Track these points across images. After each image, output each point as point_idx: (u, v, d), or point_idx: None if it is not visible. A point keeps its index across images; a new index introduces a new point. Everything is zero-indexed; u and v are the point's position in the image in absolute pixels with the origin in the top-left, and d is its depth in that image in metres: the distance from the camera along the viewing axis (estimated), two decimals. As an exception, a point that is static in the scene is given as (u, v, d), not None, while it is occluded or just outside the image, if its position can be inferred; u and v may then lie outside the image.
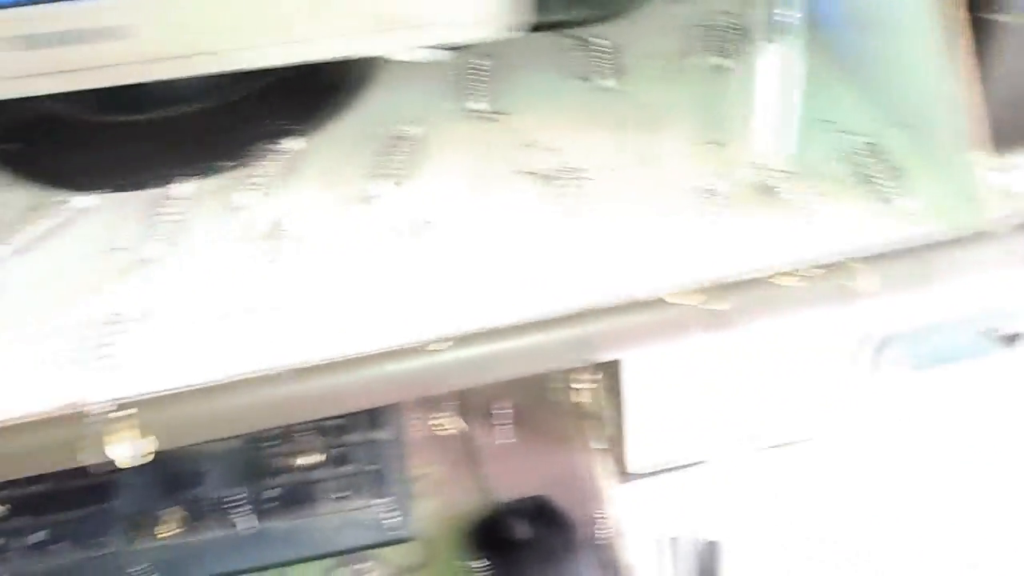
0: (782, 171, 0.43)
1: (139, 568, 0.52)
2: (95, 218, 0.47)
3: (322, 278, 0.42)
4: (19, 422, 0.36)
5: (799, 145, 0.45)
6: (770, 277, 0.40)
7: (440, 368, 0.39)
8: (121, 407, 0.36)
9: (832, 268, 0.40)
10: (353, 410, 0.39)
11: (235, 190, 0.47)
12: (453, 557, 0.54)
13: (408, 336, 0.38)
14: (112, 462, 0.36)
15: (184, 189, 0.47)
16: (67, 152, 0.51)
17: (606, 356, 0.41)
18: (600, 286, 0.40)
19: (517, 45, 0.51)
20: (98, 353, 0.38)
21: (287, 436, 0.56)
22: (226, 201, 0.47)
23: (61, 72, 0.44)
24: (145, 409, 0.37)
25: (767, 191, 0.43)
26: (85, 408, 0.36)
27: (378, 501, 0.54)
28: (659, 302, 0.39)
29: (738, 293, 0.39)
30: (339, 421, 0.57)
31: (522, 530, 0.52)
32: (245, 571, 0.53)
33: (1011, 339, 0.55)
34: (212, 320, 0.40)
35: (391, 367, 0.38)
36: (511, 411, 0.59)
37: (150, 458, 0.37)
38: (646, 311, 0.39)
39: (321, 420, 0.57)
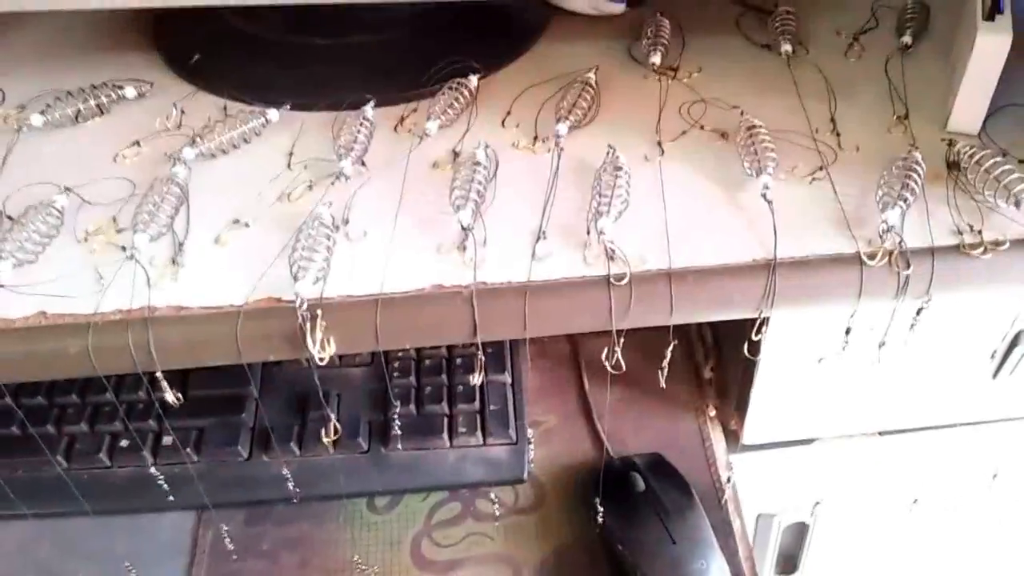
0: (973, 147, 0.42)
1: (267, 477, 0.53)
2: (280, 130, 0.48)
3: (505, 207, 0.42)
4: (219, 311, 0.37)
5: (989, 125, 0.44)
6: (958, 248, 0.39)
7: (623, 303, 0.38)
8: (312, 308, 0.37)
9: (1021, 243, 0.39)
10: (535, 334, 0.39)
11: (416, 119, 0.48)
12: (567, 502, 0.54)
13: (593, 269, 0.38)
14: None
15: (368, 112, 0.47)
16: (253, 68, 0.52)
17: (789, 309, 0.40)
18: (789, 241, 0.39)
19: (692, 6, 0.51)
20: (292, 257, 0.38)
21: (417, 368, 0.56)
22: (409, 128, 0.47)
23: None
24: (335, 312, 0.37)
25: (957, 166, 0.43)
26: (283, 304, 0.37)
27: (497, 440, 0.54)
28: (850, 260, 0.39)
29: (925, 260, 0.38)
30: (466, 360, 0.57)
31: (638, 483, 0.52)
32: (361, 494, 0.54)
33: None
34: (403, 238, 0.41)
35: (576, 297, 0.38)
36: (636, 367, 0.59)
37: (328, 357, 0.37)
38: (835, 269, 0.39)
39: (450, 357, 0.57)
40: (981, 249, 0.38)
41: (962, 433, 0.59)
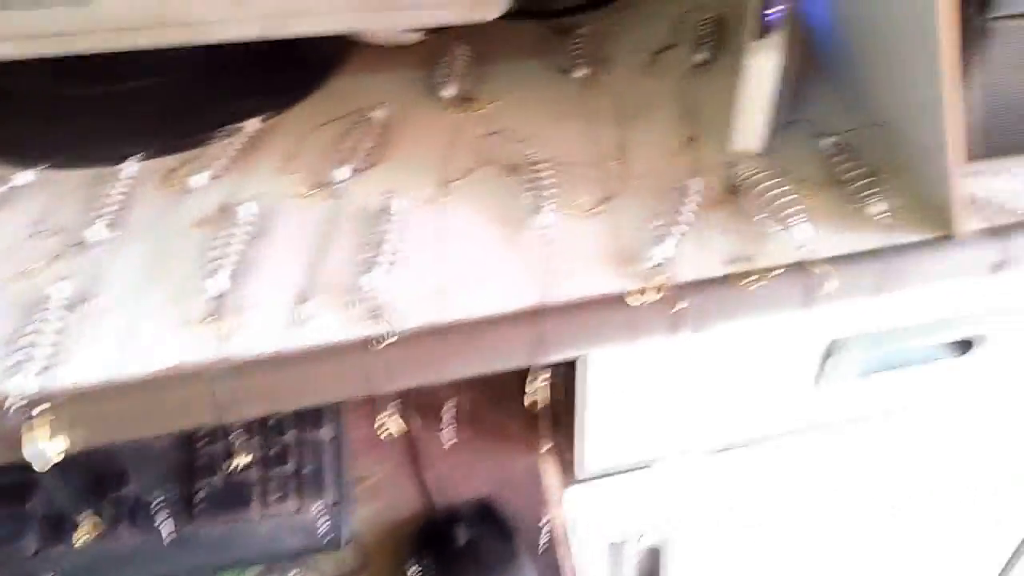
0: (755, 169, 0.42)
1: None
2: (34, 195, 0.43)
3: (269, 266, 0.39)
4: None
5: (774, 144, 0.44)
6: (729, 278, 0.38)
7: (386, 365, 0.36)
8: (33, 403, 0.33)
9: (794, 269, 0.39)
10: (293, 407, 0.36)
11: (187, 171, 0.44)
12: (390, 563, 0.52)
13: (353, 331, 0.36)
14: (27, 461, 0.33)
15: (130, 168, 0.43)
16: (7, 125, 0.47)
17: (564, 355, 0.39)
18: (561, 283, 0.38)
19: (493, 31, 0.49)
20: (16, 345, 0.34)
21: (219, 435, 0.52)
22: (176, 183, 0.44)
23: (19, 37, 0.40)
24: (63, 406, 0.33)
25: (736, 190, 0.42)
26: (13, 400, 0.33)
27: (313, 504, 0.51)
28: (619, 300, 0.37)
29: (697, 293, 0.37)
30: (275, 420, 0.53)
31: (462, 535, 0.50)
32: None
33: (963, 346, 0.56)
34: (147, 310, 0.37)
35: (334, 363, 0.36)
36: (457, 411, 0.57)
37: (60, 458, 0.33)
38: (605, 310, 0.37)
39: (256, 419, 0.53)
40: (751, 279, 0.37)
41: (793, 440, 0.60)
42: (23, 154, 0.44)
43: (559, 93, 0.51)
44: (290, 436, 0.53)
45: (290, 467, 0.52)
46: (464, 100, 0.50)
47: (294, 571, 0.51)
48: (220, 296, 0.37)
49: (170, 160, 0.45)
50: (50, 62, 0.42)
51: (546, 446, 0.57)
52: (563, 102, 0.50)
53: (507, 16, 0.46)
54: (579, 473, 0.56)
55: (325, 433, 0.54)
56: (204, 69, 0.50)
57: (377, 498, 0.54)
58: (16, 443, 0.33)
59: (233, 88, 0.50)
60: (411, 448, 0.56)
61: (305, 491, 0.51)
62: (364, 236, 0.40)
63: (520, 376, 0.56)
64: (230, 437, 0.52)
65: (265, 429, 0.53)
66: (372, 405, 0.58)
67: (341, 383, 0.36)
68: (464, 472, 0.56)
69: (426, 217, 0.42)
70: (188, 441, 0.52)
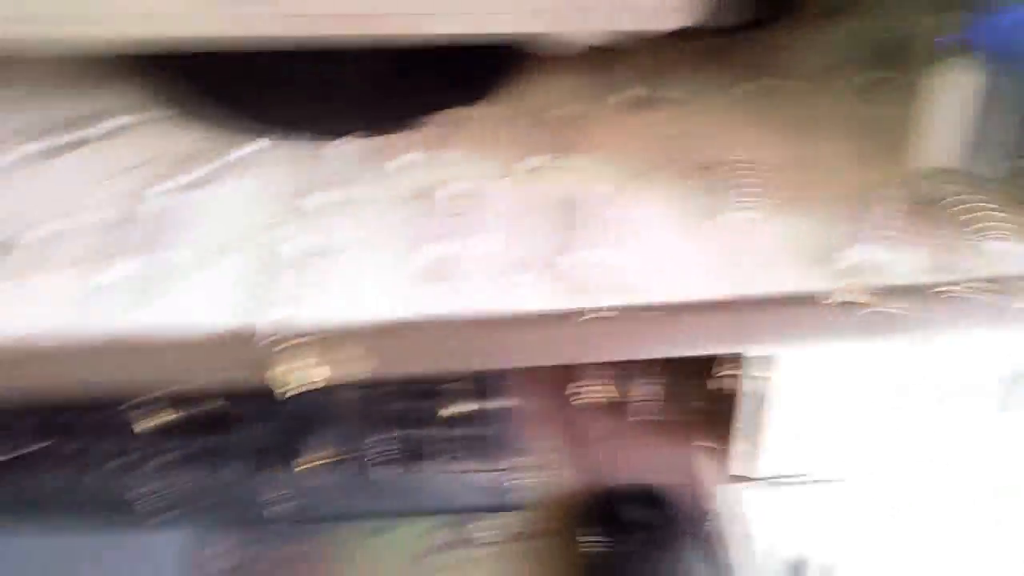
0: (946, 183, 0.43)
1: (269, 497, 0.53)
2: (261, 162, 0.49)
3: (475, 239, 0.43)
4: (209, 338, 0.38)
5: (966, 160, 0.45)
6: (922, 286, 0.39)
7: (586, 338, 0.39)
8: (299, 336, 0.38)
9: (988, 283, 0.39)
10: (502, 366, 0.40)
11: (393, 151, 0.49)
12: (559, 531, 0.55)
13: (557, 303, 0.39)
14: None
15: (345, 147, 0.48)
16: (236, 100, 0.53)
17: (755, 349, 0.41)
18: (754, 277, 0.40)
19: (667, 41, 0.52)
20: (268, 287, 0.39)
21: (407, 393, 0.57)
22: (384, 161, 0.48)
23: (247, 18, 0.45)
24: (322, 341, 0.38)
25: (927, 202, 0.43)
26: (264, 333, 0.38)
27: (494, 466, 0.54)
28: (812, 299, 0.39)
29: (905, 298, 0.39)
30: (462, 384, 0.57)
31: (632, 514, 0.53)
32: (356, 516, 0.55)
33: None
34: (372, 269, 0.41)
35: (538, 331, 0.39)
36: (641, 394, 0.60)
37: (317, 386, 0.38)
38: (799, 307, 0.39)
39: (446, 380, 0.58)
40: (943, 288, 0.39)
41: (975, 467, 0.59)
42: (257, 126, 0.50)
43: (735, 103, 0.53)
44: (476, 399, 0.57)
45: (475, 428, 0.56)
46: (643, 105, 0.53)
47: (471, 525, 0.55)
48: (438, 260, 0.41)
49: (378, 141, 0.50)
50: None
51: (714, 442, 0.58)
52: (739, 112, 0.52)
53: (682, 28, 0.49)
54: (744, 472, 0.57)
55: (500, 402, 0.57)
56: (399, 60, 0.55)
57: (549, 468, 0.57)
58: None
59: (430, 81, 0.54)
60: (583, 424, 0.59)
61: (488, 453, 0.55)
62: (560, 220, 0.44)
63: (690, 367, 0.59)
64: (412, 395, 0.57)
65: (453, 390, 0.57)
66: (551, 379, 0.62)
67: (543, 350, 0.39)
68: (624, 458, 0.58)
69: (619, 207, 0.45)
70: (380, 394, 0.57)
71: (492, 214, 0.44)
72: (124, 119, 0.51)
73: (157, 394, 0.40)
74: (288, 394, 0.38)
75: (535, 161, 0.47)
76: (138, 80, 0.55)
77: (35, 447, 0.54)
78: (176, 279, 0.41)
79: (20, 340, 0.38)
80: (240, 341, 0.38)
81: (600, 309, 0.38)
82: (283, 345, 0.38)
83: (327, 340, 0.38)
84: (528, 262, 0.41)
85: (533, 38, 0.54)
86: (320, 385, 0.38)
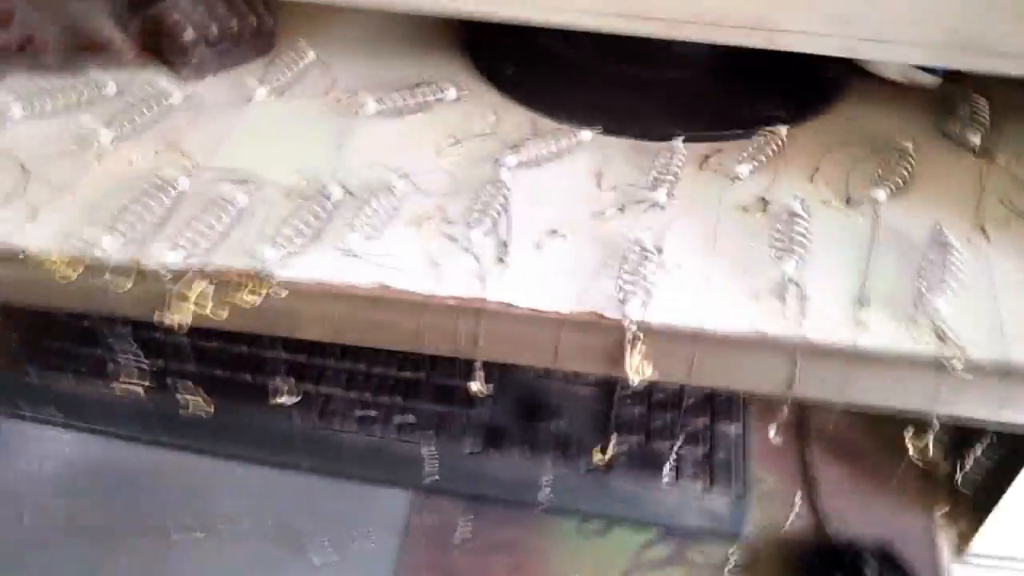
0: None
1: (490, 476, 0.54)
2: (592, 152, 0.49)
3: (823, 260, 0.42)
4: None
5: None
6: None
7: (941, 388, 0.38)
8: (640, 328, 0.38)
9: None
10: (810, 396, 0.39)
11: (723, 159, 0.48)
12: (780, 571, 0.53)
13: (918, 346, 0.38)
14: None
15: (679, 147, 0.48)
16: (563, 88, 0.54)
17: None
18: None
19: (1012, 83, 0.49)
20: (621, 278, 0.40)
21: (647, 399, 0.57)
22: (715, 167, 0.48)
23: (609, 13, 0.46)
24: (655, 338, 0.38)
25: None
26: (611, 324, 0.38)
27: (720, 491, 0.53)
28: None
29: None
30: (698, 401, 0.57)
31: (867, 570, 0.51)
32: (577, 512, 0.55)
33: None
34: (716, 275, 0.41)
35: (895, 371, 0.38)
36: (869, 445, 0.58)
37: (643, 383, 0.38)
38: None
39: (681, 394, 0.57)
40: None
41: None
42: (583, 116, 0.51)
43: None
44: (702, 422, 0.56)
45: (700, 450, 0.55)
46: (984, 149, 0.50)
47: (690, 546, 0.54)
48: (786, 280, 0.40)
49: (703, 147, 0.50)
50: (603, 39, 0.48)
51: (944, 509, 0.56)
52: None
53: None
54: (976, 549, 0.54)
55: (734, 428, 0.56)
56: (726, 72, 0.55)
57: (768, 506, 0.56)
58: (614, 359, 0.38)
59: (752, 93, 0.54)
60: (804, 468, 0.57)
61: (714, 477, 0.54)
62: (906, 258, 0.42)
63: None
64: (652, 403, 0.57)
65: (683, 405, 0.57)
66: (770, 414, 0.61)
67: (902, 393, 0.38)
68: (854, 509, 0.56)
69: (969, 257, 0.43)
70: (610, 395, 0.57)
71: (831, 242, 0.43)
72: (453, 91, 0.53)
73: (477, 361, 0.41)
74: (633, 385, 0.38)
75: (878, 193, 0.46)
76: (462, 55, 0.58)
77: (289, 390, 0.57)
78: (514, 256, 0.42)
79: (367, 290, 0.40)
80: (589, 327, 0.39)
81: (965, 361, 0.37)
82: (634, 339, 0.38)
83: (653, 339, 0.39)
84: (885, 299, 0.40)
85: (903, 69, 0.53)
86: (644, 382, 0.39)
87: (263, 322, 0.41)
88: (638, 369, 0.38)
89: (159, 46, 0.54)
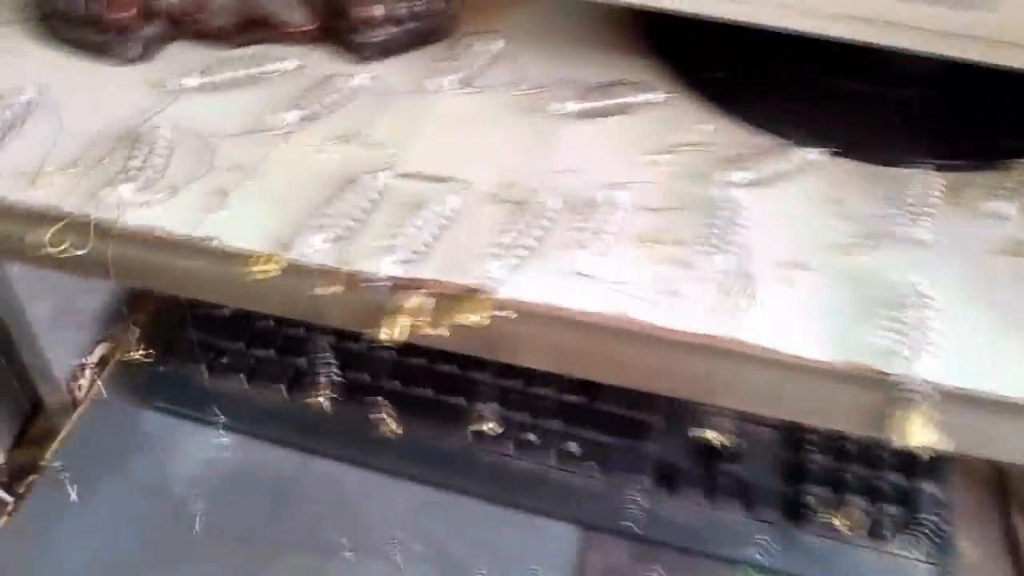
0: None
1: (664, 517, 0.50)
2: (821, 174, 0.44)
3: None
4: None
5: None
6: None
7: None
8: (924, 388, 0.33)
9: None
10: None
11: (977, 194, 0.43)
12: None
13: None
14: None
15: (933, 178, 0.43)
16: (783, 100, 0.49)
17: None
18: None
19: None
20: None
21: (838, 449, 0.52)
22: (967, 202, 0.43)
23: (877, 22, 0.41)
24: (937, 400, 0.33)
25: None
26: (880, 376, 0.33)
27: (921, 558, 0.48)
28: None
29: None
30: (896, 456, 0.52)
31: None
32: (763, 569, 0.50)
33: None
34: (980, 329, 0.36)
35: None
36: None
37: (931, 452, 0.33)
38: None
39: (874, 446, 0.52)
40: None
41: None
42: (806, 133, 0.46)
43: None
44: (901, 478, 0.51)
45: (899, 511, 0.50)
46: None
47: None
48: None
49: (950, 177, 0.44)
50: (825, 48, 0.43)
51: None
52: None
53: None
54: None
55: (934, 488, 0.51)
56: (967, 94, 0.49)
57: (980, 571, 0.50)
58: (888, 421, 0.33)
59: (1009, 117, 0.48)
60: (1010, 537, 0.52)
61: (916, 540, 0.49)
62: None
63: None
64: (843, 454, 0.52)
65: (878, 458, 0.52)
66: (968, 475, 0.56)
67: None
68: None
69: None
70: (793, 440, 0.53)
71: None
72: (657, 94, 0.48)
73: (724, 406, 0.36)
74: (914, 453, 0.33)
75: None
76: (658, 54, 0.53)
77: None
78: (756, 289, 0.37)
79: (605, 319, 0.35)
80: (853, 380, 0.34)
81: None
82: (913, 400, 0.33)
83: (937, 401, 0.34)
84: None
85: None
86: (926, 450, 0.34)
87: (480, 344, 0.36)
88: (919, 435, 0.33)
89: (339, 21, 0.50)
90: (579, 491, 0.49)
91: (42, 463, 0.52)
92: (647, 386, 0.36)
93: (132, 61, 0.48)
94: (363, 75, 0.48)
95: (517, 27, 0.54)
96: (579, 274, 0.37)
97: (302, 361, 0.54)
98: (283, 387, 0.53)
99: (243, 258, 0.37)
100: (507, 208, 0.40)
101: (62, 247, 0.37)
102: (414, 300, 0.36)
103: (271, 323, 0.56)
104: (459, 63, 0.50)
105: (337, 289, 0.36)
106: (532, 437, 0.51)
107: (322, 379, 0.45)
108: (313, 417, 0.51)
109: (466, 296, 0.36)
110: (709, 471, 0.50)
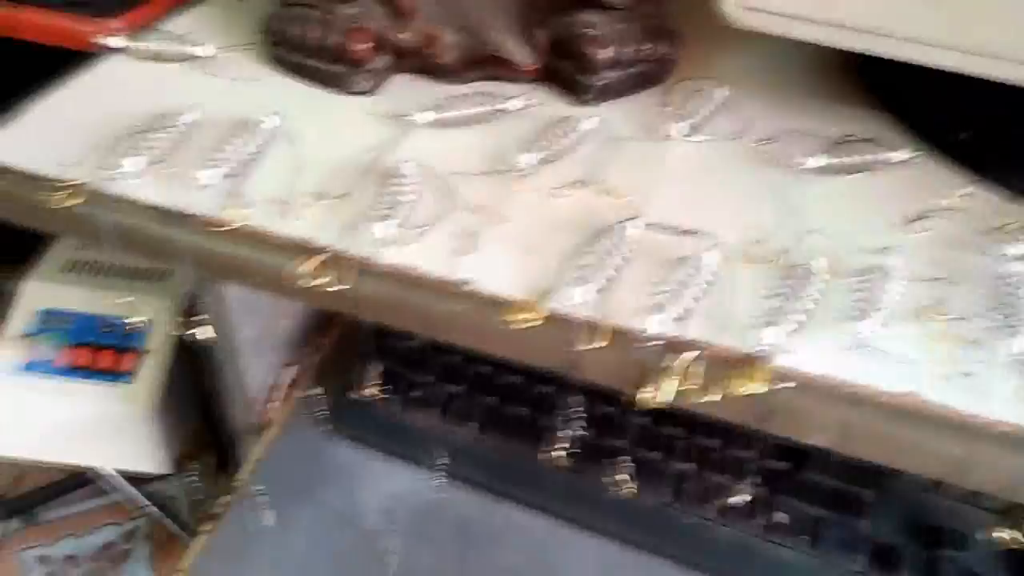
0: None
1: None
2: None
3: None
4: None
5: None
6: None
7: None
8: None
9: None
10: None
11: None
12: None
13: None
14: None
15: None
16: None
17: None
18: None
19: None
20: None
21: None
22: None
23: None
24: None
25: None
26: None
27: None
28: None
29: None
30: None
31: None
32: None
33: None
34: None
35: None
36: None
37: None
38: None
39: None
40: None
41: None
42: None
43: None
44: None
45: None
46: None
47: None
48: None
49: None
50: None
51: None
52: None
53: None
54: None
55: None
56: None
57: None
58: None
59: None
60: None
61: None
62: None
63: None
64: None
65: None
66: None
67: None
68: None
69: None
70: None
71: None
72: (901, 153, 0.46)
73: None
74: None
75: None
76: (890, 108, 0.50)
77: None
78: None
79: (895, 398, 0.33)
80: None
81: None
82: None
83: None
84: None
85: None
86: None
87: (751, 414, 0.34)
88: None
89: (565, 62, 0.49)
90: (787, 566, 0.46)
91: (236, 484, 0.52)
92: (946, 476, 0.33)
93: (362, 93, 0.48)
94: (592, 118, 0.47)
95: (734, 73, 0.52)
96: (860, 347, 0.34)
97: (493, 400, 0.52)
98: (476, 424, 0.52)
99: (498, 304, 0.36)
100: (766, 268, 0.38)
101: (323, 280, 0.37)
102: (684, 362, 0.34)
103: (460, 358, 0.55)
104: (684, 110, 0.48)
105: (601, 345, 0.35)
106: (734, 501, 0.48)
107: (562, 433, 0.43)
108: (510, 462, 0.49)
109: (741, 362, 0.34)
110: (930, 556, 0.46)
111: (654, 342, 0.34)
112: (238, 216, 0.38)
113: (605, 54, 0.48)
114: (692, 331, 0.35)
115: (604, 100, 0.49)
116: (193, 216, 0.39)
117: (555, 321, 0.35)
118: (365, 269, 0.37)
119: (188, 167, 0.41)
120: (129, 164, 0.39)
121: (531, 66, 0.50)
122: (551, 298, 0.36)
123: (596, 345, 0.35)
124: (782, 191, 0.44)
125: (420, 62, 0.50)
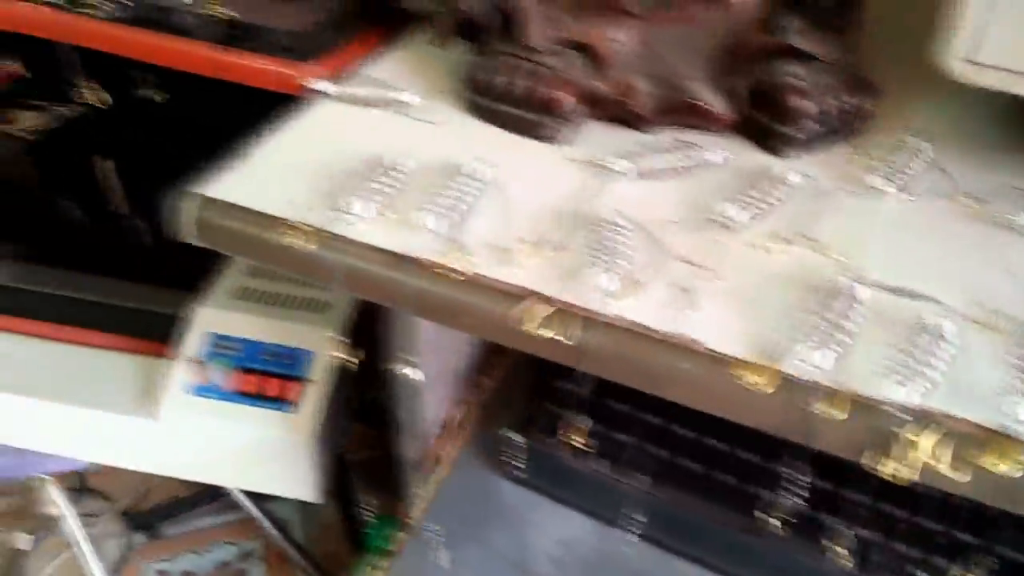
0: None
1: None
2: None
3: None
4: None
5: None
6: None
7: None
8: None
9: None
10: None
11: None
12: None
13: None
14: None
15: None
16: None
17: None
18: None
19: None
20: None
21: None
22: None
23: None
24: None
25: None
26: None
27: None
28: None
29: None
30: None
31: None
32: None
33: None
34: None
35: None
36: None
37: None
38: None
39: None
40: None
41: None
42: None
43: None
44: None
45: None
46: None
47: None
48: None
49: None
50: None
51: None
52: None
53: None
54: None
55: None
56: None
57: None
58: None
59: None
60: None
61: None
62: None
63: None
64: None
65: None
66: None
67: None
68: None
69: None
70: None
71: None
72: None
73: None
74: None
75: None
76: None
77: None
78: None
79: None
80: None
81: None
82: None
83: None
84: None
85: None
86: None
87: (1001, 495, 0.33)
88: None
89: (763, 113, 0.49)
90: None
91: (409, 522, 0.53)
92: None
93: (560, 143, 0.49)
94: (795, 172, 0.46)
95: (932, 124, 0.51)
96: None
97: (664, 453, 0.52)
98: (648, 477, 0.51)
99: (724, 363, 0.36)
100: (1000, 337, 0.36)
101: (549, 331, 0.37)
102: (932, 436, 0.32)
103: (627, 407, 0.54)
104: (889, 165, 0.47)
105: (840, 413, 0.34)
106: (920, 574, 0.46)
107: (780, 498, 0.43)
108: (682, 517, 0.48)
109: (993, 439, 0.32)
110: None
111: (899, 413, 0.33)
112: (464, 262, 0.39)
113: (808, 105, 0.47)
114: (936, 402, 0.33)
115: (800, 152, 0.49)
116: (418, 260, 0.40)
117: (789, 384, 0.35)
118: (589, 321, 0.37)
119: (411, 212, 0.42)
120: (359, 208, 0.41)
121: (728, 116, 0.49)
122: (784, 360, 0.35)
123: (835, 412, 0.34)
124: (1003, 251, 0.42)
125: (616, 110, 0.50)
